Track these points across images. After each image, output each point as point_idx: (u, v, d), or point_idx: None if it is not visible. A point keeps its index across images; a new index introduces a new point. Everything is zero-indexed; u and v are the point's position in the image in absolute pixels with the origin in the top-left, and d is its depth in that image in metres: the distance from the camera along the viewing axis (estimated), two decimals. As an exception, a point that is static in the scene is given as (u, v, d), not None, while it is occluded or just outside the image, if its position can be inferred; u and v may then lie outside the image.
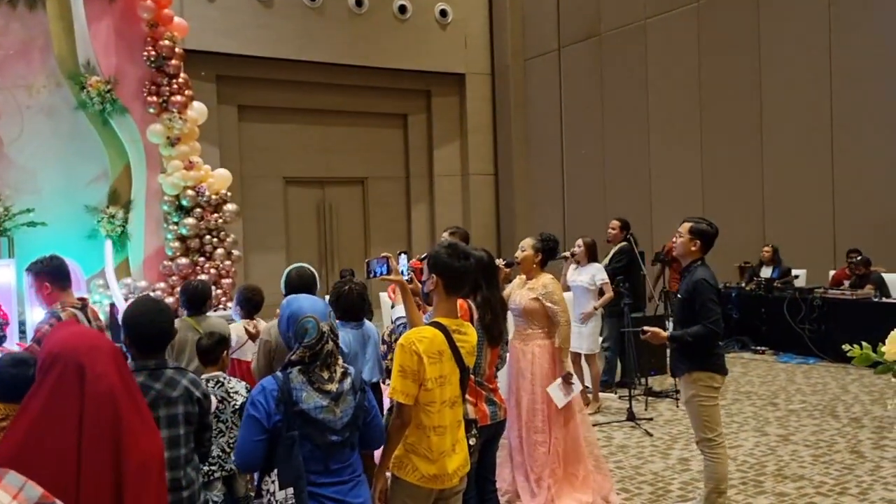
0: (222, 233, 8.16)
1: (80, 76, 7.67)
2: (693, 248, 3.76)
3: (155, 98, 7.88)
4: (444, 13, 12.79)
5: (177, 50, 8.03)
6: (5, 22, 7.58)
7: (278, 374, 2.35)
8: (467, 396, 3.03)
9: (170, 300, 7.67)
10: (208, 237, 8.04)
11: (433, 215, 13.18)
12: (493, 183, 13.52)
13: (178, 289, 4.65)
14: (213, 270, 7.96)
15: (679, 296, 3.87)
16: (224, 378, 3.54)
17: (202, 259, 7.99)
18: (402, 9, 12.37)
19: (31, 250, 7.13)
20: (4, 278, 5.75)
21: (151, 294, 7.63)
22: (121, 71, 7.89)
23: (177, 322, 3.91)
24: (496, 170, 13.53)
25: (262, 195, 11.92)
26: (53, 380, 2.10)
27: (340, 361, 2.41)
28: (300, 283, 3.67)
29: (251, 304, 4.47)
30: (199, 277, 7.64)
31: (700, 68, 10.39)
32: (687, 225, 3.81)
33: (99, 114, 7.77)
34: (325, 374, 2.32)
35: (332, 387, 2.32)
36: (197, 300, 4.11)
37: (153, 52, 7.88)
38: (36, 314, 5.58)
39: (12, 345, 5.05)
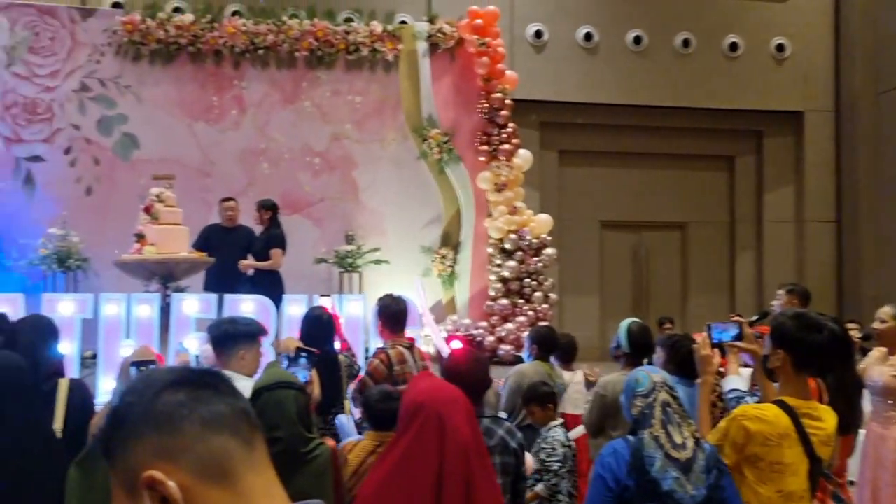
0: (541, 276, 8.37)
1: (423, 129, 8.50)
2: None
3: (486, 147, 8.42)
4: (780, 48, 11.85)
5: (507, 101, 8.52)
6: (366, 84, 8.69)
7: (629, 437, 2.24)
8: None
9: (490, 339, 8.04)
10: (528, 280, 8.30)
11: (761, 264, 12.14)
12: (835, 230, 12.07)
13: (526, 333, 4.84)
14: (530, 313, 8.18)
15: None
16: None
17: (521, 301, 8.26)
18: (734, 46, 11.72)
19: (378, 286, 7.99)
20: (355, 311, 6.49)
21: (471, 330, 8.07)
22: (457, 123, 8.59)
23: (527, 365, 4.02)
24: (839, 216, 12.07)
25: (578, 239, 12.01)
26: (417, 427, 2.27)
27: (692, 425, 2.22)
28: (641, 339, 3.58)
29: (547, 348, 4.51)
30: (542, 324, 7.85)
31: None
32: None
33: (437, 163, 8.52)
34: (677, 438, 2.15)
35: (683, 455, 2.14)
36: (548, 345, 4.21)
37: (486, 105, 8.44)
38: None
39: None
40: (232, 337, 3.28)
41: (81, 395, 3.27)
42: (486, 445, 2.72)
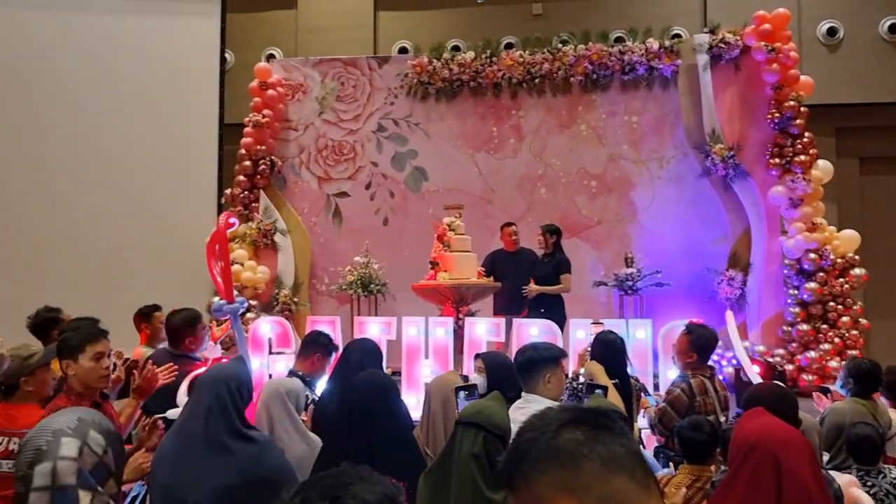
0: (847, 300, 7.51)
1: (706, 145, 8.09)
2: None
3: (777, 160, 7.79)
4: None
5: (801, 109, 7.82)
6: (642, 103, 8.52)
7: None
8: None
9: (789, 367, 7.38)
10: (832, 304, 7.49)
11: None
12: None
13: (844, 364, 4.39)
14: (836, 340, 7.37)
15: None
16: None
17: (825, 327, 7.47)
18: None
19: (659, 309, 7.75)
20: (641, 335, 6.31)
21: (766, 358, 7.45)
22: (743, 136, 8.06)
23: (844, 403, 3.64)
24: None
25: (886, 256, 10.62)
26: (750, 469, 2.11)
27: None
28: None
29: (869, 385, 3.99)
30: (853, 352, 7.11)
31: None
32: None
33: (722, 179, 8.06)
34: None
35: None
36: (870, 382, 3.81)
37: (777, 114, 7.82)
38: (670, 374, 5.96)
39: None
40: (537, 362, 3.35)
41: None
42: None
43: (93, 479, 1.45)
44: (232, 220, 5.24)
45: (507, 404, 2.81)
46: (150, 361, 3.49)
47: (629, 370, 4.42)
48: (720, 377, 4.37)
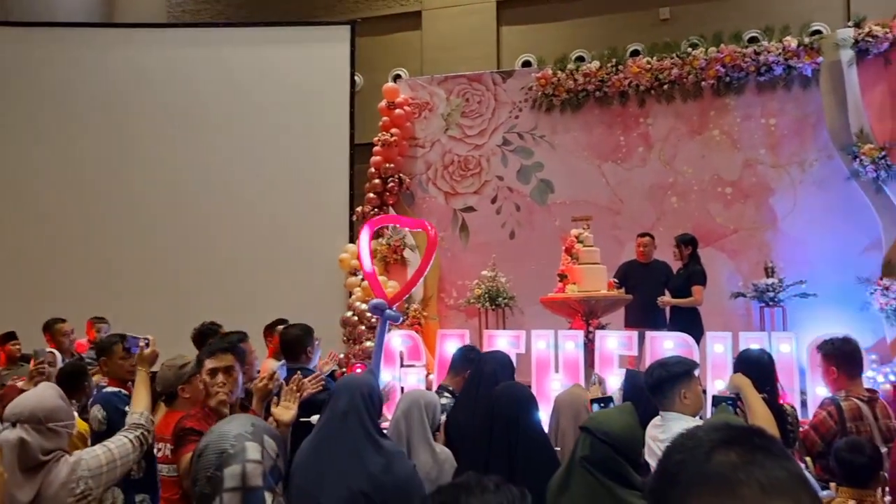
0: None
1: (854, 145, 7.57)
2: None
3: (938, 158, 7.18)
4: None
5: (963, 102, 7.17)
6: (780, 105, 8.09)
7: None
8: None
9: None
10: None
11: None
12: None
13: None
14: None
15: None
16: None
17: None
18: None
19: (804, 322, 7.30)
20: (786, 349, 5.97)
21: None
22: (895, 135, 7.47)
23: None
24: None
25: None
26: None
27: None
28: None
29: None
30: None
31: None
32: None
33: (873, 181, 7.50)
34: None
35: None
36: None
37: (934, 109, 7.21)
38: (819, 391, 5.60)
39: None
40: (668, 380, 3.23)
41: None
42: None
43: (272, 480, 1.55)
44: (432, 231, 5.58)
45: (637, 417, 2.76)
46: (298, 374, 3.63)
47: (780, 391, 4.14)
48: (884, 402, 3.92)
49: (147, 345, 3.45)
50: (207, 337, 4.15)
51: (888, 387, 6.62)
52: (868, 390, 3.78)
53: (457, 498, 1.05)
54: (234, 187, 8.90)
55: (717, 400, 3.19)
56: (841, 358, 3.77)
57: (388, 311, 5.66)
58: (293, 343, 4.23)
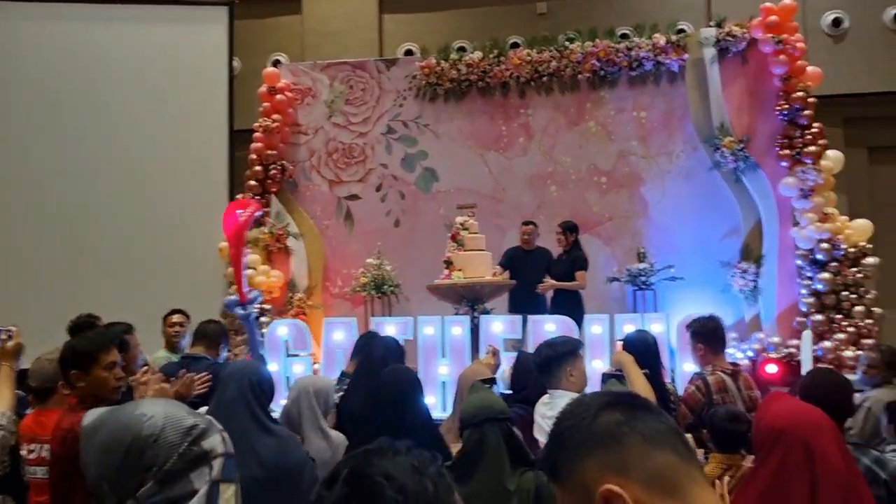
0: (861, 288, 7.51)
1: (715, 138, 8.10)
2: None
3: (787, 151, 7.80)
4: None
5: (810, 100, 7.83)
6: (650, 99, 8.53)
7: None
8: None
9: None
10: (845, 293, 7.49)
11: None
12: None
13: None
14: (850, 329, 7.37)
15: None
16: None
17: (839, 316, 7.47)
18: None
19: (673, 304, 7.76)
20: (658, 330, 6.31)
21: (782, 350, 7.46)
22: (752, 128, 8.07)
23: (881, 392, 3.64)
24: None
25: (897, 245, 10.60)
26: (779, 457, 2.10)
27: None
28: None
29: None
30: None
31: None
32: None
33: (732, 172, 8.06)
34: None
35: None
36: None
37: (786, 106, 7.83)
38: (686, 368, 5.98)
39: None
40: (554, 359, 3.37)
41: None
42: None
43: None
44: (253, 211, 5.35)
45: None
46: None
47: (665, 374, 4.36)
48: (746, 374, 4.20)
49: (10, 337, 3.24)
50: (84, 330, 3.93)
51: (747, 362, 7.17)
52: (732, 364, 4.07)
53: (369, 461, 1.06)
54: (108, 174, 8.40)
55: (605, 377, 3.36)
56: (706, 335, 4.03)
57: (237, 308, 5.55)
58: (213, 336, 4.14)
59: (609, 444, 1.05)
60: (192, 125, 8.64)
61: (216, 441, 1.43)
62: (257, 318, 7.84)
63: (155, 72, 8.59)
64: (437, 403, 6.10)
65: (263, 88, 8.90)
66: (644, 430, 1.05)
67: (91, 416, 1.47)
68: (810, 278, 7.63)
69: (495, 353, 4.19)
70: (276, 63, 10.01)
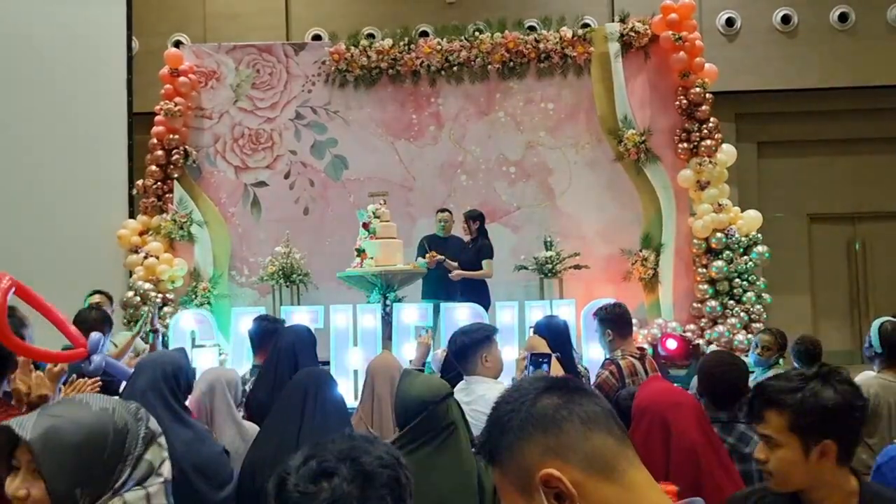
0: (751, 276, 7.97)
1: (619, 131, 8.38)
2: None
3: (685, 144, 8.16)
4: None
5: (706, 95, 8.21)
6: (558, 90, 8.72)
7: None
8: None
9: (700, 341, 7.76)
10: (737, 280, 7.93)
11: None
12: None
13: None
14: (742, 314, 7.81)
15: None
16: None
17: (732, 302, 7.90)
18: (957, 13, 10.56)
19: (578, 291, 7.99)
20: (566, 316, 6.45)
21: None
22: (653, 122, 8.40)
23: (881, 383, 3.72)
24: None
25: (784, 235, 11.28)
26: (643, 432, 2.34)
27: None
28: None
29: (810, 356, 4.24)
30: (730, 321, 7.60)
31: None
32: None
33: (634, 164, 8.37)
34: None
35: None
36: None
37: (685, 101, 8.18)
38: (593, 352, 6.18)
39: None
40: (470, 346, 3.43)
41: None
42: (742, 451, 2.67)
43: None
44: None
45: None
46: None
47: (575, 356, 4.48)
48: (650, 358, 4.38)
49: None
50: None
51: (647, 346, 7.48)
52: (639, 348, 4.25)
53: (361, 449, 1.10)
54: (0, 158, 7.85)
55: (534, 359, 3.39)
56: (614, 321, 4.16)
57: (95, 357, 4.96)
58: (94, 325, 3.96)
59: (548, 428, 1.07)
60: (89, 107, 8.19)
61: (153, 421, 1.46)
62: (161, 307, 7.57)
63: (51, 51, 8.08)
64: (349, 392, 6.06)
65: (165, 70, 8.56)
66: (581, 414, 1.08)
67: (30, 425, 1.37)
68: (705, 266, 8.02)
69: (427, 331, 4.24)
70: (178, 44, 9.64)
